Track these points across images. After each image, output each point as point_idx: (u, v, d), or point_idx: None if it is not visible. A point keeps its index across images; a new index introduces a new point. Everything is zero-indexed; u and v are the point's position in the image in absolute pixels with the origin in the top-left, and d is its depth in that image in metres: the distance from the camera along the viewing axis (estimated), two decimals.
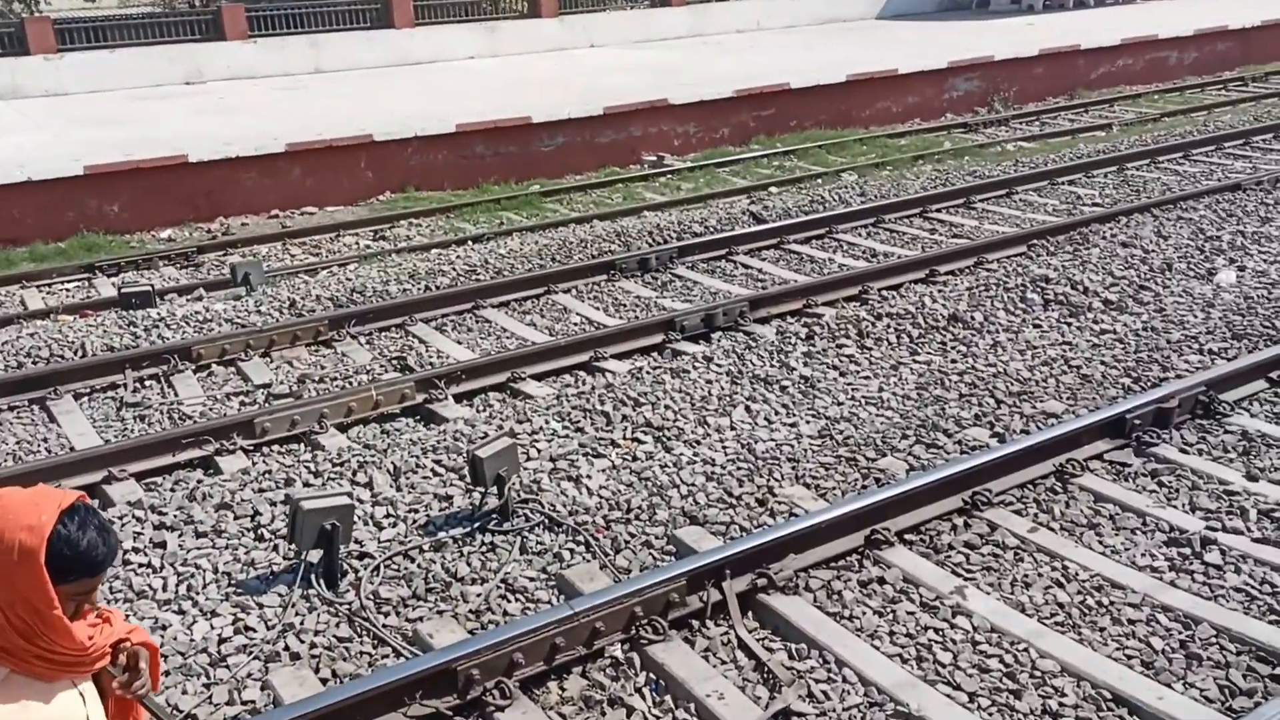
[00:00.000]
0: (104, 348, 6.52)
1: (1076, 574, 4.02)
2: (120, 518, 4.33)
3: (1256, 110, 13.59)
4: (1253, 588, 3.88)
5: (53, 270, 8.71)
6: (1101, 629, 3.71)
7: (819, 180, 11.19)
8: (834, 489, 4.61)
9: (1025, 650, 3.58)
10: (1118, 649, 3.60)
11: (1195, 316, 6.41)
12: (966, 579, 4.01)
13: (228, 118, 12.28)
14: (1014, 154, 11.94)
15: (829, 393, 5.59)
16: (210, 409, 5.74)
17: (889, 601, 3.88)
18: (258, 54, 16.12)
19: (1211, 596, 3.86)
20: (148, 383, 6.11)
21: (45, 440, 5.43)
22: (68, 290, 8.42)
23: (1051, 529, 4.33)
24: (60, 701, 1.78)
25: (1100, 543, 4.23)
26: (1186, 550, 4.14)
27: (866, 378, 5.78)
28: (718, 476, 4.72)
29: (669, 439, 5.08)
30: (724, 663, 3.56)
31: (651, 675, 3.48)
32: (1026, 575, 4.02)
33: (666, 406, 5.39)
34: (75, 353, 6.46)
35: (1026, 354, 5.98)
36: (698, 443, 5.04)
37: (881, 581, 3.99)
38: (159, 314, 7.00)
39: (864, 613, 3.81)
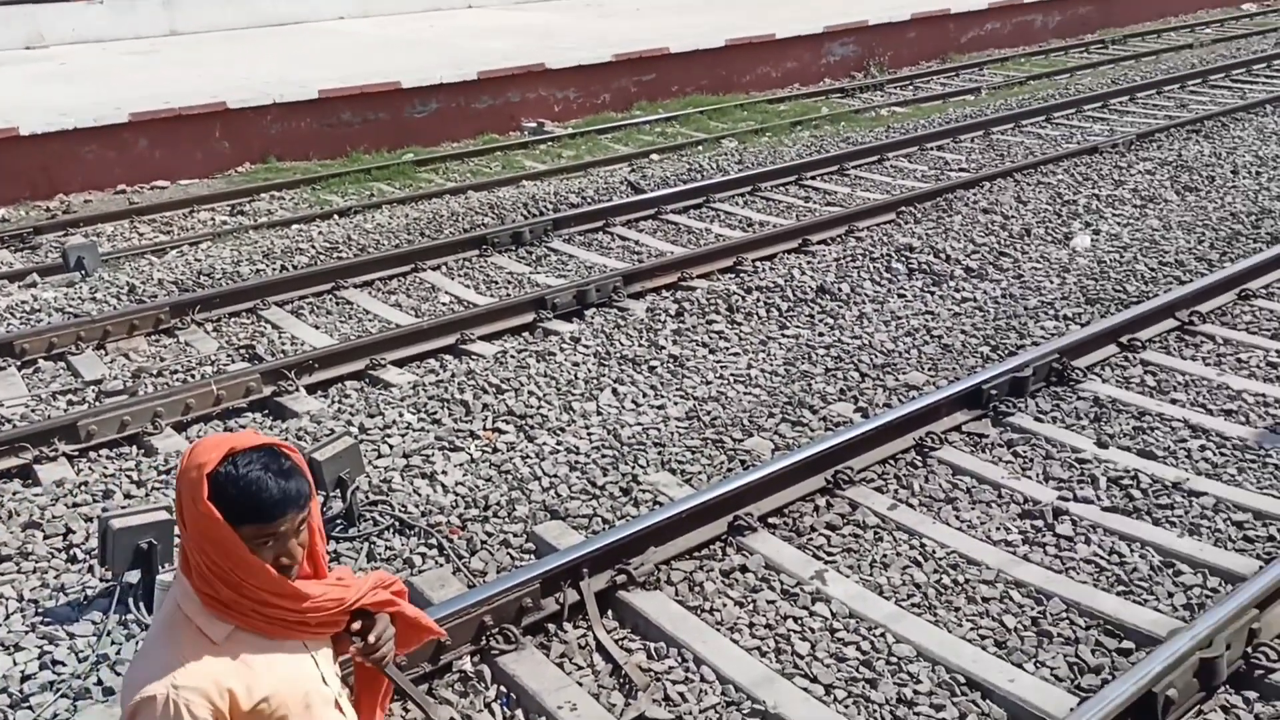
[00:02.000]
0: None
1: (934, 551, 4.02)
2: None
3: (1114, 73, 14.03)
4: (1102, 558, 3.95)
5: None
6: (957, 609, 3.72)
7: (700, 147, 11.07)
8: (700, 473, 4.53)
9: (882, 635, 3.56)
10: (972, 629, 3.61)
11: (1051, 282, 6.55)
12: (827, 562, 3.98)
13: (69, 85, 11.42)
14: (887, 119, 12.05)
15: (698, 371, 5.50)
16: (33, 410, 5.30)
17: (750, 591, 3.81)
18: (105, 16, 15.06)
19: (1063, 569, 3.91)
20: None
21: None
22: None
23: (911, 505, 4.33)
24: (288, 661, 1.79)
25: (957, 517, 4.25)
26: (1040, 522, 4.19)
27: (735, 354, 5.71)
28: (581, 466, 4.57)
29: (532, 427, 4.90)
30: (580, 668, 3.44)
31: (503, 688, 3.33)
32: (885, 555, 4.00)
33: (530, 392, 5.21)
34: None
35: (891, 325, 6.01)
36: (562, 430, 4.89)
37: (744, 570, 3.92)
38: None
39: (724, 604, 3.73)
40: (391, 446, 4.70)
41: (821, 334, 5.92)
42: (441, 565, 3.91)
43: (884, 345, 5.72)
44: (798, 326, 6.06)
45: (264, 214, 9.14)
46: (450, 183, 10.05)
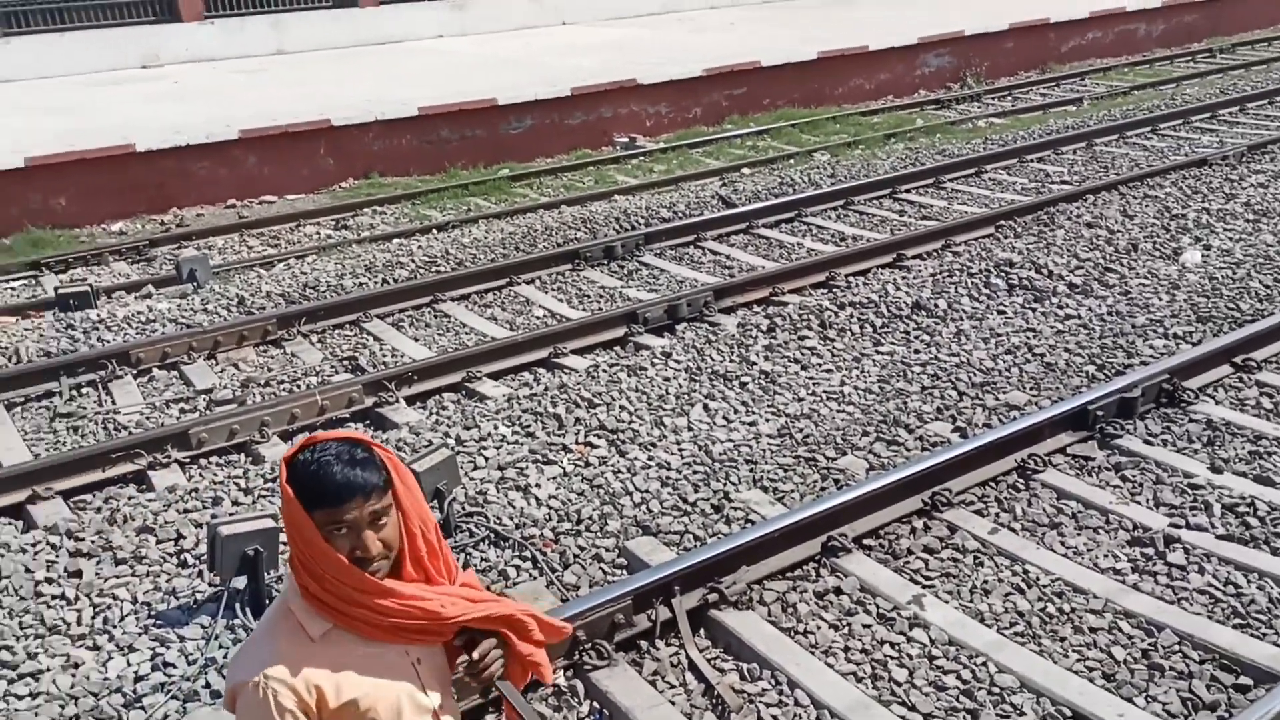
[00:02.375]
0: (39, 353, 6.29)
1: (1038, 578, 3.90)
2: (33, 545, 4.15)
3: (1223, 83, 13.47)
4: (1216, 589, 3.78)
5: None
6: (1062, 639, 3.60)
7: (792, 160, 11.00)
8: (792, 492, 4.48)
9: (984, 664, 3.47)
10: (1078, 660, 3.49)
11: (1160, 299, 6.30)
12: (925, 587, 3.89)
13: (182, 104, 11.94)
14: (985, 131, 11.79)
15: (789, 388, 5.45)
16: (148, 418, 5.54)
17: (845, 614, 3.75)
18: (216, 36, 15.70)
19: (1174, 600, 3.75)
20: (84, 390, 5.90)
21: None
22: (12, 290, 8.15)
23: (1013, 530, 4.22)
24: (384, 666, 1.81)
25: (1062, 544, 4.12)
26: (1150, 550, 4.03)
27: (828, 371, 5.64)
28: (673, 482, 4.57)
29: (623, 442, 4.92)
30: (672, 687, 3.43)
31: (595, 704, 3.34)
32: (986, 581, 3.90)
33: (622, 407, 5.23)
34: (10, 359, 6.24)
35: (990, 342, 5.86)
36: (653, 445, 4.89)
37: (838, 592, 3.87)
38: (99, 315, 6.77)
39: (819, 627, 3.68)
40: (487, 459, 4.77)
41: (917, 351, 5.81)
42: (535, 578, 3.95)
43: (983, 363, 5.58)
44: (892, 343, 5.95)
45: (366, 228, 9.40)
46: (544, 198, 10.19)
